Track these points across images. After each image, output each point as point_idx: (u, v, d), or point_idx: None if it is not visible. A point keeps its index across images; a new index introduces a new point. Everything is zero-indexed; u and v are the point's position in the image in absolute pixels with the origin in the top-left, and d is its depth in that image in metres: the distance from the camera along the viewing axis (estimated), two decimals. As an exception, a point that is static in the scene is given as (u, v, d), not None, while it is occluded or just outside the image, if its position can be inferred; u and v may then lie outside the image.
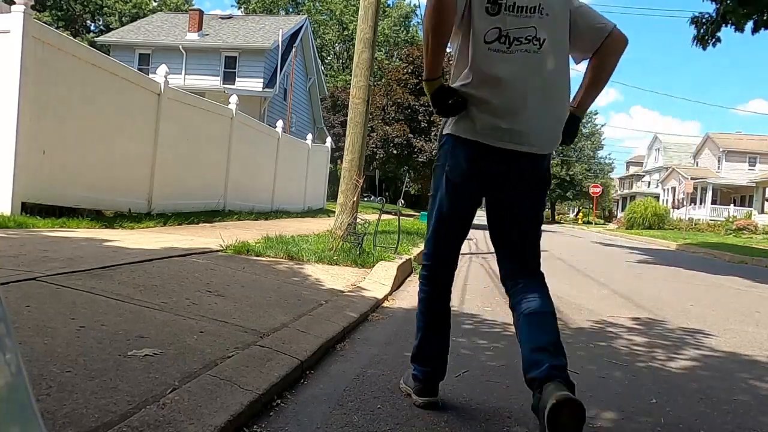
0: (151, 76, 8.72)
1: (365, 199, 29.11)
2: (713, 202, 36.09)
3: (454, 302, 4.21)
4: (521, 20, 1.81)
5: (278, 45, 23.08)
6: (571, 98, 1.97)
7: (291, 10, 48.70)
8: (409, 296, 4.42)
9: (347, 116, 5.99)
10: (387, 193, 39.86)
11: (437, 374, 2.02)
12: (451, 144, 1.89)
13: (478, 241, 11.68)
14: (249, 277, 3.86)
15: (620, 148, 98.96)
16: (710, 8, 10.00)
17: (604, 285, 5.99)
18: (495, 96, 1.79)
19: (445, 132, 1.92)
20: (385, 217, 8.34)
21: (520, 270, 1.97)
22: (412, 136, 24.01)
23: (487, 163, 1.84)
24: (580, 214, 57.21)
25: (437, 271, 2.03)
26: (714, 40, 9.92)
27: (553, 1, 1.85)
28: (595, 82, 1.98)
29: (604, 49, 1.91)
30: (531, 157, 1.84)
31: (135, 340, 2.12)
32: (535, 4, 1.82)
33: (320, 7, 49.03)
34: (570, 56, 1.94)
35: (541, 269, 2.02)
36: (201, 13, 25.62)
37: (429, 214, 2.03)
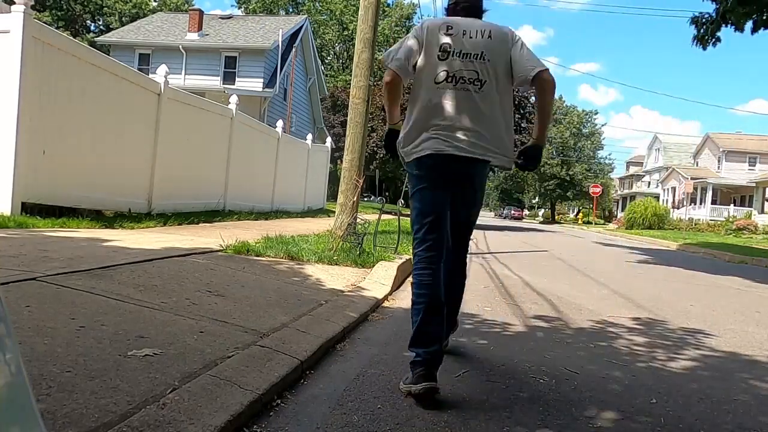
0: (151, 76, 8.71)
1: (365, 199, 29.10)
2: (713, 202, 36.07)
3: (454, 302, 4.20)
4: (466, 64, 2.28)
5: (278, 45, 23.08)
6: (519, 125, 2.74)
7: (291, 10, 48.70)
8: (409, 296, 4.41)
9: (347, 116, 5.99)
10: (387, 193, 39.84)
11: (437, 357, 2.13)
12: (406, 161, 2.39)
13: (478, 242, 11.67)
14: (249, 277, 3.86)
15: (620, 148, 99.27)
16: (710, 8, 9.99)
17: (604, 285, 5.99)
18: (442, 119, 2.27)
19: (405, 159, 2.39)
20: (385, 217, 8.34)
21: (454, 252, 2.44)
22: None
23: (446, 165, 2.28)
24: (580, 214, 57.14)
25: (428, 256, 2.27)
26: (714, 39, 9.90)
27: (494, 49, 2.30)
28: (540, 117, 2.49)
29: (537, 90, 2.35)
30: (466, 161, 2.28)
31: (135, 340, 2.11)
32: (479, 52, 2.28)
33: (320, 7, 49.02)
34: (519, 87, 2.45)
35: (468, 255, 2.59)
36: (201, 13, 25.60)
37: (411, 215, 2.39)
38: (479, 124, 2.27)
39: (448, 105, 2.27)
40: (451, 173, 2.28)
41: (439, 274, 2.25)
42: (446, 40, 2.29)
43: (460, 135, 2.25)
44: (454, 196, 2.33)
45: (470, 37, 2.30)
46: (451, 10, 2.49)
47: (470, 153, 2.26)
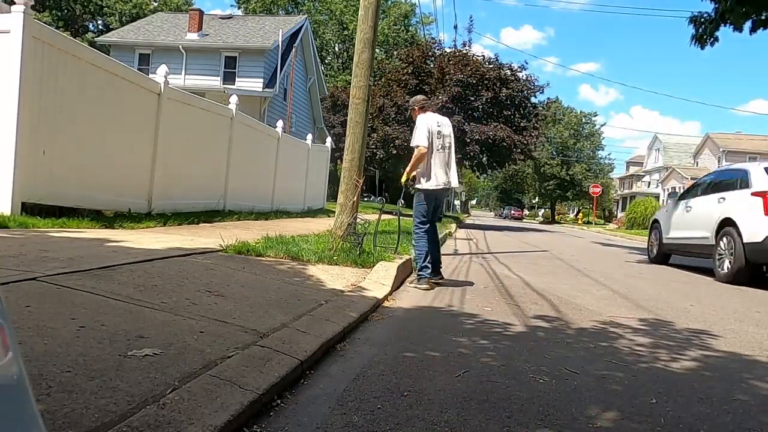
0: (151, 76, 8.70)
1: (365, 199, 29.07)
2: (713, 202, 35.98)
3: (455, 302, 4.22)
4: (444, 140, 5.06)
5: (278, 45, 23.07)
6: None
7: (291, 10, 48.66)
8: (409, 296, 4.41)
9: (347, 116, 5.98)
10: (387, 193, 39.81)
11: (438, 270, 5.08)
12: (424, 188, 5.05)
13: (478, 241, 11.69)
14: (249, 277, 3.86)
15: (620, 148, 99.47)
16: (709, 8, 9.99)
17: (604, 285, 5.99)
18: (437, 169, 4.98)
19: (420, 187, 5.05)
20: (385, 217, 8.34)
21: (433, 221, 5.18)
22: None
23: (436, 193, 5.08)
24: (580, 214, 57.15)
25: (427, 222, 5.05)
26: (712, 39, 9.90)
27: (451, 133, 5.17)
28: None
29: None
30: (447, 190, 5.11)
31: (135, 340, 2.11)
32: (448, 134, 5.12)
33: (320, 7, 48.97)
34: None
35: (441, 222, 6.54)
36: (201, 13, 25.59)
37: (419, 208, 5.08)
38: (448, 169, 5.06)
39: (440, 161, 4.99)
40: (437, 197, 5.12)
41: (434, 227, 5.12)
42: (438, 129, 5.01)
43: (442, 176, 4.97)
44: (441, 201, 5.25)
45: (446, 127, 5.13)
46: (428, 109, 5.20)
47: (444, 186, 5.03)
